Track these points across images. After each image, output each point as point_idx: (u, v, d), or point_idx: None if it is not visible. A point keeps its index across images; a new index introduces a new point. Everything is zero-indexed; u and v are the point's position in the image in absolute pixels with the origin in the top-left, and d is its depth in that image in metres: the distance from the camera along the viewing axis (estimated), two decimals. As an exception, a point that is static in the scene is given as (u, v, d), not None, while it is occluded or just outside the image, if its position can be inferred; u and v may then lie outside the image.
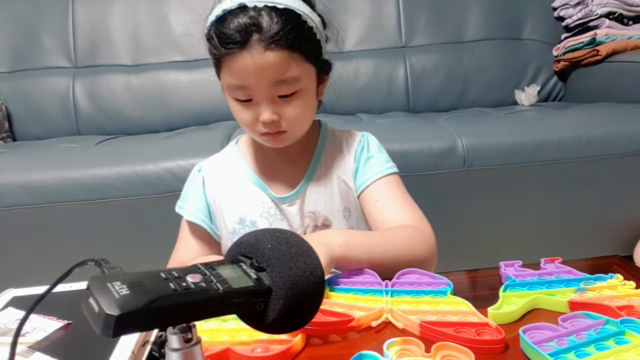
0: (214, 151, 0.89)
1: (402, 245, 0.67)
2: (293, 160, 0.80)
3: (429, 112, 1.93)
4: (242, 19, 0.64)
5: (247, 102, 0.69)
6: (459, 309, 0.51)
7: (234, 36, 0.64)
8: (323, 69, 0.74)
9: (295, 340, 0.46)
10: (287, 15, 0.65)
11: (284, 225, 0.79)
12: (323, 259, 0.55)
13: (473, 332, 0.46)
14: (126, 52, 2.02)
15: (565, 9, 2.03)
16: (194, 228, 0.80)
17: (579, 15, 1.97)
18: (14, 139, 1.96)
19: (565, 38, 2.04)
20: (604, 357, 0.41)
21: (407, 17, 2.05)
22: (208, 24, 0.68)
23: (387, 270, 0.60)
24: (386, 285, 0.56)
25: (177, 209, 0.82)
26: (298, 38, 0.66)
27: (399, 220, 0.73)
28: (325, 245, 0.58)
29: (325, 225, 0.80)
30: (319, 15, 0.71)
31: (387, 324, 0.50)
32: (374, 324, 0.49)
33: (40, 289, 0.54)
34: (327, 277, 0.59)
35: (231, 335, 0.48)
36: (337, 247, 0.60)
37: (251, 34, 0.64)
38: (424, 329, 0.47)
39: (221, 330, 0.49)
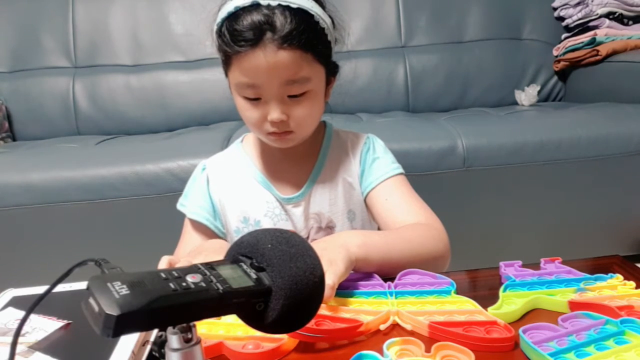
0: (213, 152, 0.89)
1: (418, 243, 0.67)
2: (298, 160, 0.79)
3: (429, 112, 1.93)
4: (256, 17, 0.63)
5: (255, 100, 0.68)
6: (465, 308, 0.51)
7: (247, 34, 0.63)
8: (332, 70, 0.74)
9: (286, 338, 0.46)
10: (301, 15, 0.64)
11: (288, 226, 0.79)
12: (343, 261, 0.55)
13: (482, 330, 0.46)
14: (126, 52, 2.02)
15: (565, 9, 2.03)
16: (197, 226, 0.80)
17: (579, 15, 1.97)
18: (14, 139, 1.96)
19: (565, 38, 2.04)
20: (604, 357, 0.41)
21: (407, 17, 2.05)
22: (218, 20, 0.67)
23: (404, 269, 0.60)
24: (389, 287, 0.56)
25: (179, 207, 0.82)
26: (311, 38, 0.65)
27: (410, 218, 0.72)
28: (344, 248, 0.58)
29: (329, 227, 0.80)
30: (329, 17, 0.71)
31: (395, 325, 0.50)
32: (382, 327, 0.49)
33: (40, 289, 0.54)
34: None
35: (227, 330, 0.49)
36: (356, 248, 0.59)
37: (264, 32, 0.63)
38: (433, 329, 0.47)
39: (218, 323, 0.50)
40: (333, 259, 0.54)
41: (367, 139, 0.82)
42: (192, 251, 0.71)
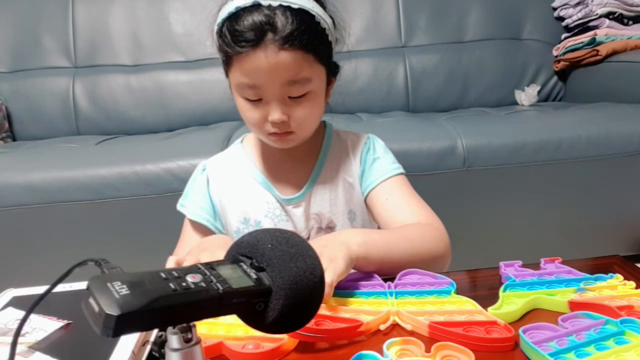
0: (213, 152, 0.89)
1: (419, 242, 0.67)
2: (299, 160, 0.79)
3: (429, 112, 1.93)
4: (257, 17, 0.63)
5: (256, 101, 0.68)
6: (465, 308, 0.51)
7: (248, 34, 0.63)
8: (332, 70, 0.74)
9: (286, 338, 0.46)
10: (302, 16, 0.64)
11: (288, 227, 0.79)
12: (343, 259, 0.55)
13: (482, 330, 0.46)
14: (126, 52, 2.02)
15: (565, 9, 2.03)
16: (197, 226, 0.80)
17: (579, 15, 1.97)
18: (14, 139, 1.96)
19: (565, 38, 2.04)
20: (604, 357, 0.41)
21: (407, 17, 2.05)
22: (219, 20, 0.67)
23: (404, 268, 0.60)
24: (389, 287, 0.56)
25: (179, 207, 0.82)
26: (312, 39, 0.65)
27: (410, 218, 0.72)
28: (345, 246, 0.58)
29: (330, 227, 0.80)
30: (330, 17, 0.70)
31: (395, 325, 0.50)
32: (382, 327, 0.49)
33: (40, 289, 0.54)
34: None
35: (227, 330, 0.49)
36: (357, 246, 0.59)
37: (265, 33, 0.63)
38: (433, 329, 0.47)
39: (218, 323, 0.50)
40: (333, 257, 0.54)
41: (368, 139, 0.82)
42: (194, 248, 0.70)
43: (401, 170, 0.79)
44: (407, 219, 0.72)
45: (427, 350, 0.43)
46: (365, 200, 0.80)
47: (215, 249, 0.62)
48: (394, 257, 0.63)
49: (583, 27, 1.98)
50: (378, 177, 0.78)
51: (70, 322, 0.48)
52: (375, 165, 0.79)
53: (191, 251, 0.68)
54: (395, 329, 0.49)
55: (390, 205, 0.76)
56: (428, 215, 0.73)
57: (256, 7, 0.63)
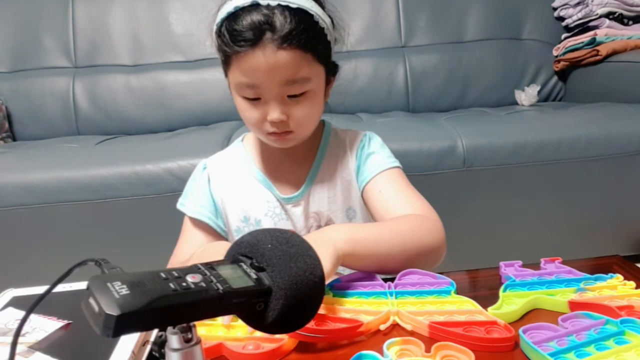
0: (213, 152, 0.89)
1: (409, 234, 0.65)
2: (298, 160, 0.79)
3: (429, 112, 1.93)
4: (255, 17, 0.63)
5: (255, 100, 0.68)
6: (465, 308, 0.51)
7: (247, 34, 0.63)
8: (331, 70, 0.74)
9: (286, 339, 0.46)
10: (300, 15, 0.64)
11: (288, 226, 0.79)
12: (329, 259, 0.54)
13: (482, 330, 0.46)
14: (126, 52, 2.02)
15: (565, 9, 2.03)
16: (198, 224, 0.80)
17: (579, 15, 1.97)
18: (14, 139, 1.96)
19: (565, 38, 2.04)
20: (604, 357, 0.41)
21: (407, 17, 2.05)
22: (218, 20, 0.67)
23: (396, 262, 0.59)
24: (389, 287, 0.56)
25: (179, 206, 0.82)
26: (310, 38, 0.65)
27: (405, 210, 0.71)
28: (330, 244, 0.57)
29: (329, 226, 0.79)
30: (329, 17, 0.71)
31: (395, 326, 0.50)
32: (382, 327, 0.49)
33: (40, 289, 0.54)
34: (332, 278, 0.58)
35: (227, 331, 0.49)
36: (343, 243, 0.58)
37: (264, 32, 0.63)
38: (433, 329, 0.47)
39: (218, 324, 0.50)
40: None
41: (364, 136, 0.82)
42: (197, 255, 0.69)
43: (397, 164, 0.79)
44: (402, 210, 0.71)
45: (427, 350, 0.43)
46: (361, 196, 0.80)
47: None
48: (383, 251, 0.62)
49: (583, 27, 1.98)
50: (372, 170, 0.77)
51: (70, 322, 0.48)
52: (370, 159, 0.79)
53: (192, 259, 0.68)
54: (395, 329, 0.49)
55: (385, 197, 0.75)
56: (424, 207, 0.72)
57: (255, 6, 0.63)
